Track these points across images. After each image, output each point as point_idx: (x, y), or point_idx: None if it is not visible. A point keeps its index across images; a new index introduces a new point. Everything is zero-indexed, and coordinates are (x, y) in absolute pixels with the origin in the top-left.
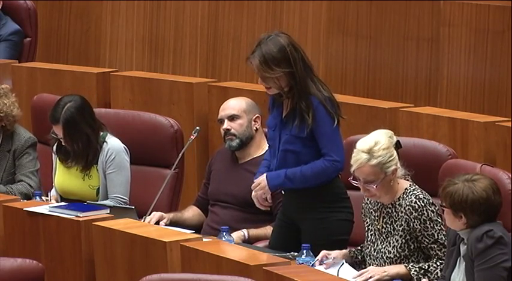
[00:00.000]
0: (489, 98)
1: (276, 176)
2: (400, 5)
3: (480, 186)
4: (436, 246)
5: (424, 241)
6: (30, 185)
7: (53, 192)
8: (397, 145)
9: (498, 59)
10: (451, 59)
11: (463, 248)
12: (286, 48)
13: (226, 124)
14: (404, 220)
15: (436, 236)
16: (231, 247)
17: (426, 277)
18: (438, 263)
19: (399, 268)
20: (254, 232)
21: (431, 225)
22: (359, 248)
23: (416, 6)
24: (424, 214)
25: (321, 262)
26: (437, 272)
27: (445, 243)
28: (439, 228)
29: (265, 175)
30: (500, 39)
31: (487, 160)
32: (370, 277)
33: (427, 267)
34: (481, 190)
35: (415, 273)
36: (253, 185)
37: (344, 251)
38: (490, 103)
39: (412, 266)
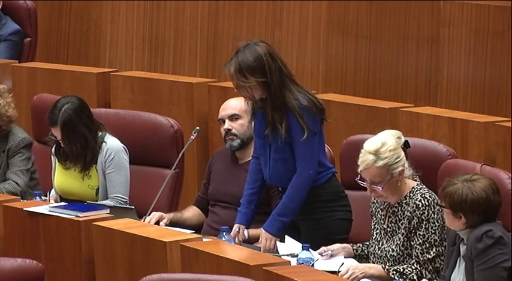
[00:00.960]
0: (489, 98)
1: (271, 223)
2: (400, 5)
3: (479, 186)
4: (420, 248)
5: (413, 239)
6: (17, 184)
7: (52, 192)
8: (406, 145)
9: (498, 59)
10: (451, 59)
11: (462, 248)
12: (262, 58)
13: (227, 124)
14: (407, 218)
15: (424, 238)
16: (231, 247)
17: (402, 279)
18: (414, 267)
19: (376, 270)
20: (254, 232)
21: (426, 226)
22: (366, 243)
23: (416, 6)
24: (424, 213)
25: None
26: (412, 276)
27: (430, 248)
28: (432, 231)
29: (262, 231)
30: (500, 39)
31: (487, 160)
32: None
33: (402, 270)
34: (481, 190)
35: (393, 275)
36: (262, 249)
37: (345, 244)
38: (490, 103)
39: (389, 266)
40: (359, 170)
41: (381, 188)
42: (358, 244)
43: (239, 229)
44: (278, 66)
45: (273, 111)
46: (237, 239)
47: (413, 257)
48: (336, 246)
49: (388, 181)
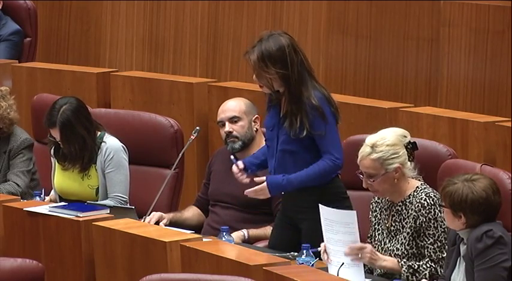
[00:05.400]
0: (489, 98)
1: (277, 182)
2: (400, 5)
3: (480, 186)
4: (432, 247)
5: (424, 239)
6: (17, 185)
7: (51, 193)
8: (413, 147)
9: (498, 59)
10: (451, 59)
11: (462, 248)
12: (285, 49)
13: (228, 127)
14: (412, 217)
15: (435, 237)
16: (231, 247)
17: (414, 276)
18: (428, 265)
19: (392, 263)
20: (254, 232)
21: (435, 225)
22: None
23: (416, 6)
24: (431, 212)
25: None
26: (425, 274)
27: (442, 246)
28: (442, 230)
29: (265, 179)
30: (500, 39)
31: (487, 160)
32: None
33: (416, 267)
34: (481, 190)
35: (405, 271)
36: (251, 192)
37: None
38: (490, 103)
39: (404, 262)
40: (357, 161)
41: (373, 181)
42: None
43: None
44: (300, 59)
45: (291, 103)
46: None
47: (427, 256)
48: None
49: (382, 175)
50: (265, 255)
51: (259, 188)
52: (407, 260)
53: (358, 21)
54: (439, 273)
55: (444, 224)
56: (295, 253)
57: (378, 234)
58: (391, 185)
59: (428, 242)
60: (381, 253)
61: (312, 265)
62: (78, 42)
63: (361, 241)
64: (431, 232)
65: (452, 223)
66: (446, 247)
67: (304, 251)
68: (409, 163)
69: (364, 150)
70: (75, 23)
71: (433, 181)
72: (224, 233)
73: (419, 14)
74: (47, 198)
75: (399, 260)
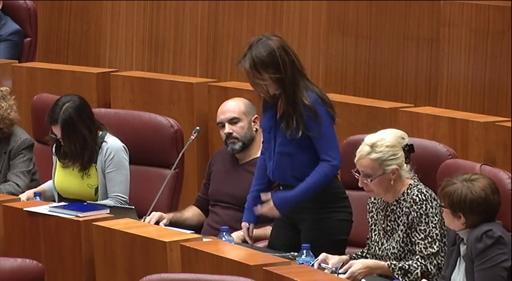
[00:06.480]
0: (489, 98)
1: (284, 201)
2: (400, 5)
3: (479, 186)
4: (422, 243)
5: (415, 235)
6: (17, 185)
7: (42, 186)
8: (410, 148)
9: (498, 59)
10: (451, 59)
11: (462, 248)
12: (275, 52)
13: (228, 128)
14: (405, 214)
15: (426, 232)
16: (231, 247)
17: (406, 277)
18: (419, 263)
19: (382, 270)
20: (254, 232)
21: (426, 220)
22: (359, 253)
23: (416, 6)
24: (423, 208)
25: (320, 265)
26: (417, 273)
27: (433, 242)
28: (433, 226)
29: (270, 198)
30: (500, 39)
31: (487, 160)
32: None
33: (407, 267)
34: (480, 190)
35: (398, 274)
36: (259, 210)
37: (344, 257)
38: (490, 103)
39: (394, 265)
40: (355, 160)
41: (369, 181)
42: (354, 255)
43: (249, 227)
44: (291, 59)
45: (287, 105)
46: (248, 238)
47: (417, 252)
48: (335, 260)
49: (379, 175)
50: (265, 255)
51: (268, 208)
52: (404, 258)
53: (358, 21)
54: (430, 270)
55: (436, 220)
56: (295, 253)
57: (375, 235)
58: (386, 186)
59: (419, 238)
60: (379, 253)
61: (312, 265)
62: (78, 42)
63: (360, 242)
64: (422, 228)
65: (452, 223)
66: (437, 242)
67: (304, 251)
68: (405, 165)
69: (363, 149)
70: (75, 23)
71: (433, 181)
72: (224, 233)
73: (419, 14)
74: (39, 187)
75: (389, 263)
